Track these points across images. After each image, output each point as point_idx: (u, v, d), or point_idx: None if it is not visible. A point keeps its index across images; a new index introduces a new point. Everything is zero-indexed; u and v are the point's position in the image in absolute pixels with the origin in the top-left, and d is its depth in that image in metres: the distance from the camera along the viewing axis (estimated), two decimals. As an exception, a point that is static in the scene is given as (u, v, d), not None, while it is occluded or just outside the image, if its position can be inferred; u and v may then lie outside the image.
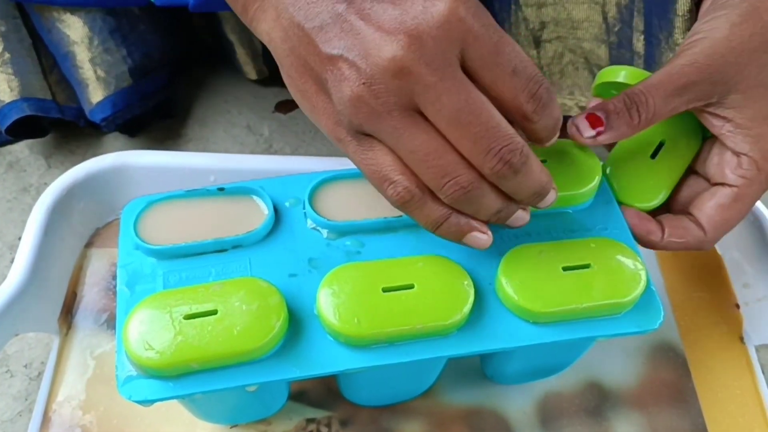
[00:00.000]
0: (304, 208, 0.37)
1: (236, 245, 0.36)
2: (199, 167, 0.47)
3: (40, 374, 0.44)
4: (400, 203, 0.31)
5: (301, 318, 0.33)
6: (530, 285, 0.34)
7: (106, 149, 0.57)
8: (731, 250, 0.45)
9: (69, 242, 0.47)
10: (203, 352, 0.31)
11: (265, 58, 0.57)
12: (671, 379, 0.44)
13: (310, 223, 0.37)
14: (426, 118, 0.29)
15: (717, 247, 0.50)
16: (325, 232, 0.36)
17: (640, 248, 0.37)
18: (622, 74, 0.38)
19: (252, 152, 0.56)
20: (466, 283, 0.34)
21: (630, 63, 0.49)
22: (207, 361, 0.31)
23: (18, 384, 0.44)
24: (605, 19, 0.48)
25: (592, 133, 0.35)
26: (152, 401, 0.31)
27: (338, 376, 0.39)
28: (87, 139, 0.57)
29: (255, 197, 0.37)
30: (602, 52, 0.50)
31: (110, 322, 0.44)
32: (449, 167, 0.29)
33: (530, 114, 0.30)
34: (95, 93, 0.52)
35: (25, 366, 0.45)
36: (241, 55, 0.57)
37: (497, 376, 0.42)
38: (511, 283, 0.34)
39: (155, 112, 0.57)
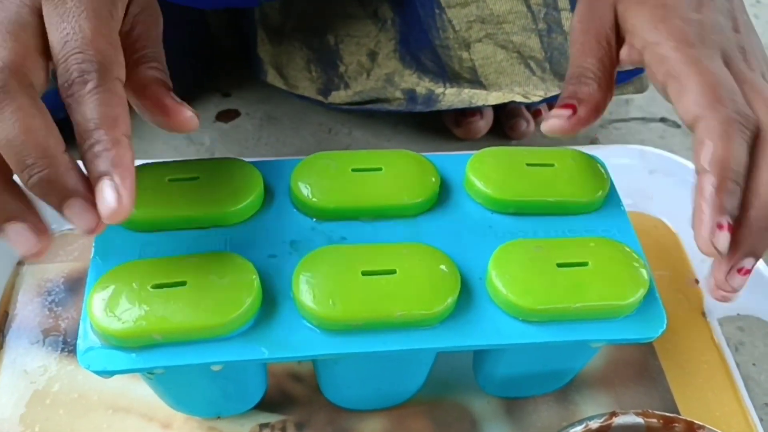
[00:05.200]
0: (291, 190, 0.35)
1: (218, 222, 0.34)
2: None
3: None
4: None
5: (276, 299, 0.32)
6: (521, 280, 0.32)
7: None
8: (687, 226, 0.45)
9: None
10: (167, 323, 0.29)
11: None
12: (636, 358, 0.42)
13: (296, 207, 0.35)
14: None
15: (671, 224, 0.49)
16: (311, 217, 0.35)
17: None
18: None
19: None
20: (452, 273, 0.32)
21: (563, 46, 0.49)
22: (171, 333, 0.30)
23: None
24: (529, 7, 0.48)
25: (569, 112, 0.33)
26: (112, 373, 0.30)
27: (318, 373, 0.37)
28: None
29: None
30: (533, 42, 0.49)
31: (46, 339, 0.42)
32: None
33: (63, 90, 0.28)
34: None
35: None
36: None
37: (488, 384, 0.39)
38: (501, 277, 0.32)
39: None
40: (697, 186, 0.29)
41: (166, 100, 0.30)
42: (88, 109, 0.27)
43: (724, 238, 0.28)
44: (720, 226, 0.28)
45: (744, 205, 0.29)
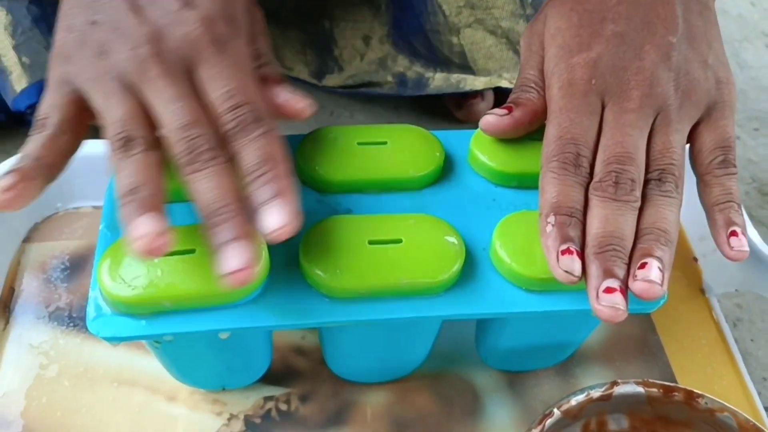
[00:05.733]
0: (297, 164, 0.36)
1: None
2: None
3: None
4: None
5: (283, 268, 0.32)
6: (525, 250, 0.32)
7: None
8: (685, 205, 0.46)
9: (5, 239, 0.45)
10: (177, 290, 0.30)
11: None
12: (637, 334, 0.43)
13: (302, 180, 0.36)
14: None
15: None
16: (317, 190, 0.35)
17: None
18: None
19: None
20: (457, 242, 0.32)
21: None
22: (180, 300, 0.30)
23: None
24: None
25: (504, 112, 0.34)
26: (121, 339, 0.30)
27: (323, 343, 0.37)
28: (10, 136, 0.55)
29: None
30: (521, 28, 0.50)
31: (52, 314, 0.42)
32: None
33: (231, 136, 0.29)
34: (19, 81, 0.51)
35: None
36: None
37: (491, 357, 0.40)
38: (505, 246, 0.32)
39: None
40: (540, 230, 0.30)
41: (281, 96, 0.32)
42: (252, 150, 0.28)
43: (569, 261, 0.29)
44: (564, 252, 0.29)
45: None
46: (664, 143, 0.31)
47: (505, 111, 0.34)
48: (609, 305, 0.28)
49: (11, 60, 0.51)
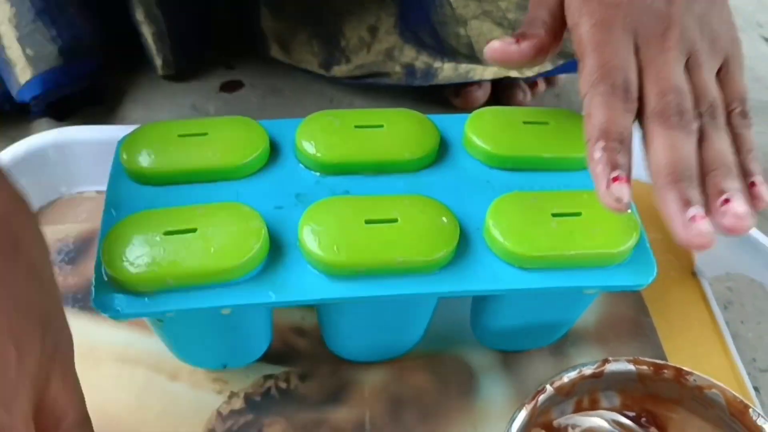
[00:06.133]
0: (297, 146, 0.36)
1: (226, 176, 0.35)
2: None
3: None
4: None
5: (282, 247, 0.33)
6: (517, 229, 0.33)
7: (35, 132, 0.55)
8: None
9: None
10: (179, 268, 0.31)
11: (172, 52, 0.57)
12: (629, 315, 0.44)
13: (301, 162, 0.37)
14: None
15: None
16: (315, 171, 0.36)
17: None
18: None
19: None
20: (451, 222, 0.33)
21: None
22: (183, 278, 0.31)
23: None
24: None
25: (512, 41, 0.34)
26: (126, 316, 0.31)
27: (322, 323, 0.38)
28: (14, 123, 0.56)
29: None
30: None
31: (57, 296, 0.43)
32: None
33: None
34: (24, 72, 0.51)
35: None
36: (151, 47, 0.57)
37: (486, 337, 0.40)
38: (498, 226, 0.33)
39: (84, 97, 0.56)
40: (588, 155, 0.30)
41: None
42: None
43: (619, 188, 0.29)
44: (615, 179, 0.29)
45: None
46: (703, 81, 0.32)
47: (512, 40, 0.34)
48: (698, 234, 0.28)
49: (15, 52, 0.51)
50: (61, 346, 0.27)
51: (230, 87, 0.60)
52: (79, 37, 0.53)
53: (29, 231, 0.27)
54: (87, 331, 0.41)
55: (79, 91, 0.55)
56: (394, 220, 0.33)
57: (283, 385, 0.40)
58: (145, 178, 0.35)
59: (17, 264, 0.25)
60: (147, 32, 0.56)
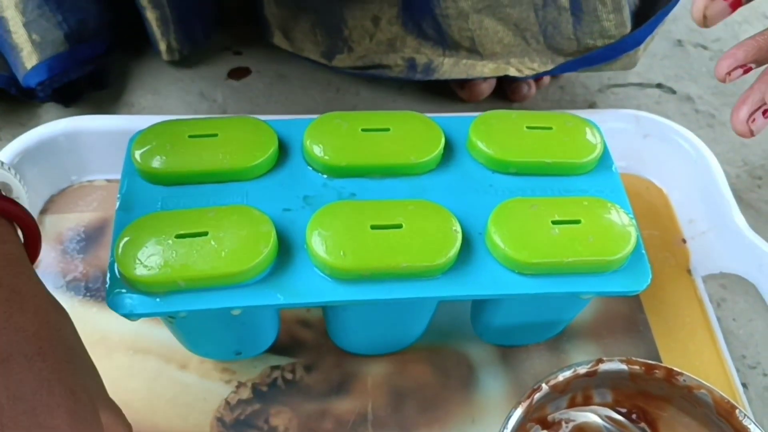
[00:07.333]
0: (304, 148, 0.37)
1: (236, 177, 0.36)
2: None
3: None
4: None
5: (290, 250, 0.34)
6: (518, 235, 0.34)
7: (41, 118, 0.56)
8: (677, 189, 0.48)
9: (23, 210, 0.47)
10: (190, 271, 0.32)
11: (177, 37, 0.57)
12: (624, 312, 0.45)
13: (309, 164, 0.37)
14: None
15: (663, 186, 0.51)
16: (323, 174, 0.37)
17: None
18: None
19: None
20: (454, 228, 0.34)
21: (557, 21, 0.50)
22: (194, 280, 0.32)
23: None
24: None
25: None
26: (138, 315, 0.32)
27: (327, 319, 0.40)
28: (24, 109, 0.56)
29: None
30: (529, 16, 0.51)
31: (69, 284, 0.44)
32: None
33: None
34: (30, 58, 0.52)
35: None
36: (155, 31, 0.57)
37: (485, 333, 0.42)
38: (499, 232, 0.34)
39: (89, 82, 0.57)
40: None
41: None
42: None
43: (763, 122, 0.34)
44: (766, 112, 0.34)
45: None
46: None
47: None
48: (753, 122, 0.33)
49: (22, 37, 0.52)
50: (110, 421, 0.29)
51: (238, 74, 0.60)
52: (84, 22, 0.54)
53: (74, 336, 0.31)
54: (98, 320, 0.42)
55: (85, 76, 0.55)
56: (399, 226, 0.34)
57: (289, 375, 0.41)
58: (157, 178, 0.36)
59: (72, 364, 0.29)
60: (151, 17, 0.56)
